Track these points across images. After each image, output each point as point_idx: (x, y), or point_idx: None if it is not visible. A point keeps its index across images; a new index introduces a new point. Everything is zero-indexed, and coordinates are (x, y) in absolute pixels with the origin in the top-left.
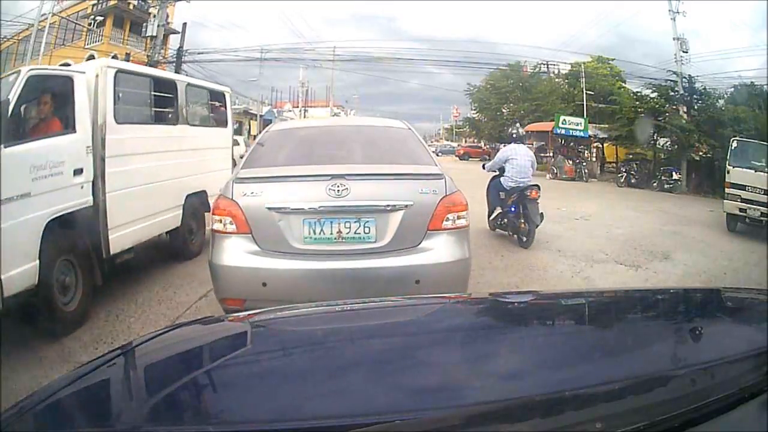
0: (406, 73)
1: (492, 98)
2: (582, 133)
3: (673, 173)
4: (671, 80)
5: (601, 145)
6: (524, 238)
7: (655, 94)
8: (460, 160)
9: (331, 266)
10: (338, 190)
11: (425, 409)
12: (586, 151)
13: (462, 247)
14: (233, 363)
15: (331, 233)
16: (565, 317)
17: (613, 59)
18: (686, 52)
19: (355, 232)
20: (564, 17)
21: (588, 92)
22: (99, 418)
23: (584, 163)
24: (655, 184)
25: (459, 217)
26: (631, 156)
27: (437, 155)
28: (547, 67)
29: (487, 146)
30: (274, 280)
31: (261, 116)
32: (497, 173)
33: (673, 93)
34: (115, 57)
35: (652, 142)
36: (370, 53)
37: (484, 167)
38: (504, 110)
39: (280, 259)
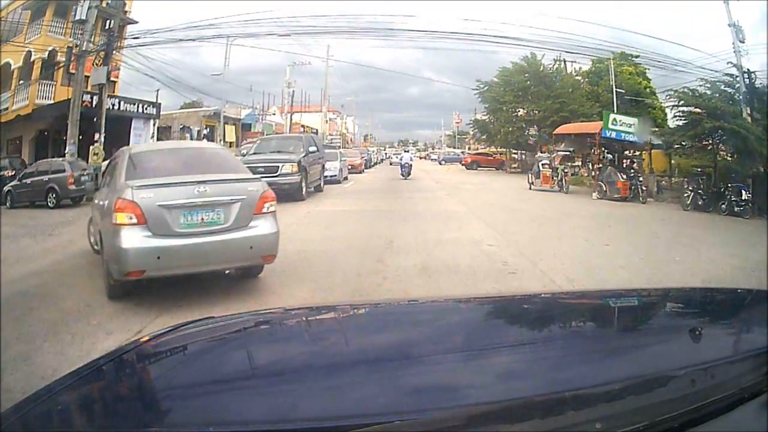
0: (405, 80)
1: (506, 96)
2: (635, 138)
3: (743, 191)
4: (729, 74)
5: (648, 154)
6: (405, 177)
7: (709, 91)
8: (467, 169)
9: (199, 240)
10: (201, 191)
11: (425, 410)
12: (635, 162)
13: (274, 224)
14: (233, 363)
15: (198, 220)
16: (565, 318)
17: (637, 56)
18: (743, 42)
19: (211, 219)
20: (564, 20)
21: (618, 90)
22: (98, 419)
23: (640, 178)
24: (723, 205)
25: (271, 206)
26: (699, 169)
27: (441, 164)
28: (564, 64)
29: (502, 153)
30: (165, 253)
31: (239, 120)
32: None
33: (731, 90)
34: (53, 51)
35: (714, 151)
36: (368, 60)
37: (401, 166)
38: (520, 111)
39: (167, 239)
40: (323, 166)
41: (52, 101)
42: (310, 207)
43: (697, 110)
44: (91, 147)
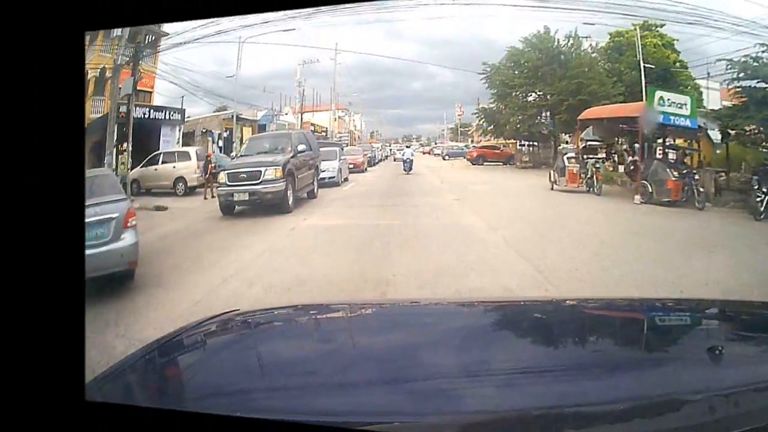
0: (408, 74)
1: (517, 79)
2: (688, 122)
3: None
4: None
5: (698, 144)
6: (407, 171)
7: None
8: (473, 164)
9: (91, 252)
10: (96, 212)
11: (424, 414)
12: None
13: (135, 236)
14: (252, 357)
15: (93, 234)
16: (572, 327)
17: (662, 25)
18: None
19: (96, 235)
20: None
21: (648, 65)
22: (157, 395)
23: (695, 175)
24: None
25: (132, 221)
26: None
27: (444, 159)
28: (578, 39)
29: (512, 145)
30: None
31: (256, 121)
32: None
33: None
34: (103, 69)
35: None
36: (372, 53)
37: (403, 161)
38: (532, 96)
39: None
40: (317, 167)
41: (101, 114)
42: (297, 221)
43: (763, 84)
44: (119, 157)
